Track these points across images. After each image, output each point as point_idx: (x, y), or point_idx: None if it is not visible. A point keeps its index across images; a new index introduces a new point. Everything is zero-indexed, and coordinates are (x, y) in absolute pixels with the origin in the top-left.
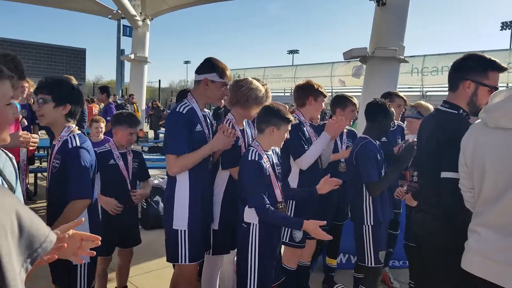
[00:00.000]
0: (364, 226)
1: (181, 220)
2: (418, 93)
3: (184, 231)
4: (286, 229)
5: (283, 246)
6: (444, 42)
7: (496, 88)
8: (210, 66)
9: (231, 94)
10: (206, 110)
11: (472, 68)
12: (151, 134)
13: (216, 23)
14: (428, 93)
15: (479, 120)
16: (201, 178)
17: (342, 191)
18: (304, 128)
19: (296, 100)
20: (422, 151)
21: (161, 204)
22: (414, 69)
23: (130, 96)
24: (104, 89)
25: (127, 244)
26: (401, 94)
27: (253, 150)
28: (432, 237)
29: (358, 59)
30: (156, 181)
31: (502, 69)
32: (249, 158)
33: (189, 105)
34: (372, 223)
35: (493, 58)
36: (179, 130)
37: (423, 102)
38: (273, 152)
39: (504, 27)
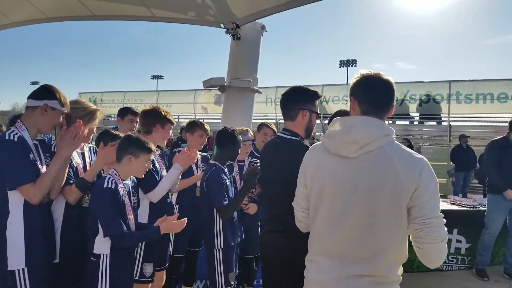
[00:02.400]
0: (215, 250)
1: (17, 257)
2: (273, 121)
3: (23, 269)
4: (136, 265)
5: None
6: (294, 76)
7: (318, 113)
8: (50, 92)
9: None
10: (39, 137)
11: (306, 99)
12: None
13: (71, 42)
14: (281, 121)
15: (320, 143)
16: (38, 206)
17: (197, 217)
18: (153, 158)
19: (141, 126)
20: (268, 174)
21: None
22: (269, 99)
23: None
24: None
25: None
26: (271, 125)
27: (109, 178)
28: (279, 253)
29: (217, 88)
30: None
31: (319, 97)
32: (105, 186)
33: (17, 133)
34: (222, 246)
35: (313, 90)
36: (19, 157)
37: None
38: (130, 180)
39: (342, 64)
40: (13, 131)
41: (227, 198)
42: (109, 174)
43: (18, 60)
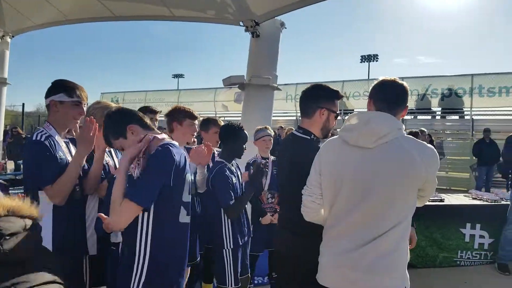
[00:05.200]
0: (224, 250)
1: None
2: (293, 118)
3: None
4: None
5: None
6: (314, 72)
7: (338, 114)
8: (55, 87)
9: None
10: (68, 136)
11: (324, 98)
12: (10, 165)
13: (92, 43)
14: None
15: (336, 137)
16: (67, 206)
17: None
18: None
19: (166, 128)
20: (282, 173)
21: None
22: (289, 96)
23: None
24: None
25: None
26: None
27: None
28: (293, 252)
29: (236, 85)
30: None
31: (341, 97)
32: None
33: (46, 132)
34: (232, 246)
35: (335, 89)
36: (43, 158)
37: None
38: None
39: (363, 60)
40: (42, 130)
41: (233, 197)
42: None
43: (40, 62)
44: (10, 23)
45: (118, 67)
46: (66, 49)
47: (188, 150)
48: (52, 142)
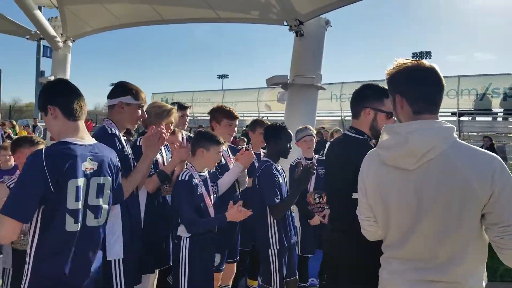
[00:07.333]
0: (270, 250)
1: (115, 249)
2: (338, 118)
3: (119, 260)
4: None
5: None
6: (360, 71)
7: (392, 113)
8: (123, 89)
9: None
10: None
11: (370, 97)
12: None
13: (143, 47)
14: (347, 118)
15: (376, 152)
16: (130, 204)
17: None
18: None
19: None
20: (332, 173)
21: None
22: (334, 95)
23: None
24: None
25: None
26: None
27: (185, 171)
28: (344, 252)
29: (280, 85)
30: None
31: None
32: (180, 178)
33: (110, 128)
34: (278, 247)
35: (384, 87)
36: (121, 152)
37: None
38: (208, 173)
39: (415, 57)
40: (107, 127)
41: (279, 196)
42: (186, 168)
43: (97, 65)
44: (71, 28)
45: (166, 68)
46: (118, 53)
47: (232, 149)
48: (117, 137)
